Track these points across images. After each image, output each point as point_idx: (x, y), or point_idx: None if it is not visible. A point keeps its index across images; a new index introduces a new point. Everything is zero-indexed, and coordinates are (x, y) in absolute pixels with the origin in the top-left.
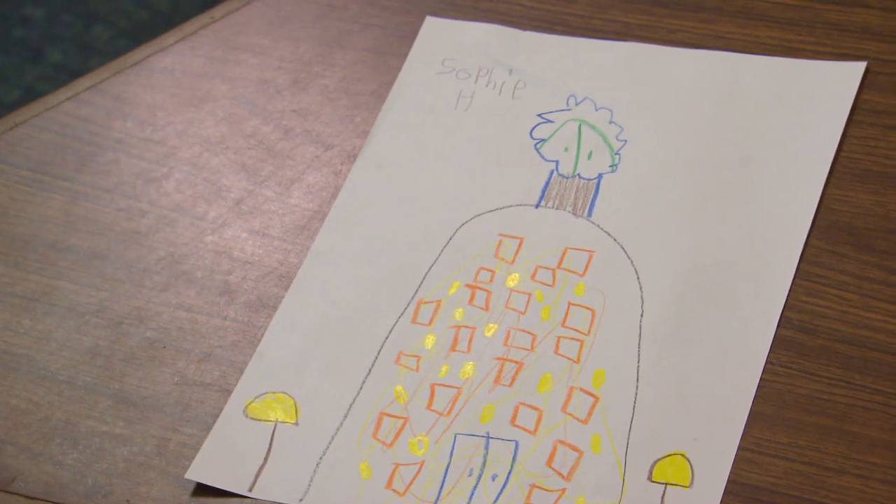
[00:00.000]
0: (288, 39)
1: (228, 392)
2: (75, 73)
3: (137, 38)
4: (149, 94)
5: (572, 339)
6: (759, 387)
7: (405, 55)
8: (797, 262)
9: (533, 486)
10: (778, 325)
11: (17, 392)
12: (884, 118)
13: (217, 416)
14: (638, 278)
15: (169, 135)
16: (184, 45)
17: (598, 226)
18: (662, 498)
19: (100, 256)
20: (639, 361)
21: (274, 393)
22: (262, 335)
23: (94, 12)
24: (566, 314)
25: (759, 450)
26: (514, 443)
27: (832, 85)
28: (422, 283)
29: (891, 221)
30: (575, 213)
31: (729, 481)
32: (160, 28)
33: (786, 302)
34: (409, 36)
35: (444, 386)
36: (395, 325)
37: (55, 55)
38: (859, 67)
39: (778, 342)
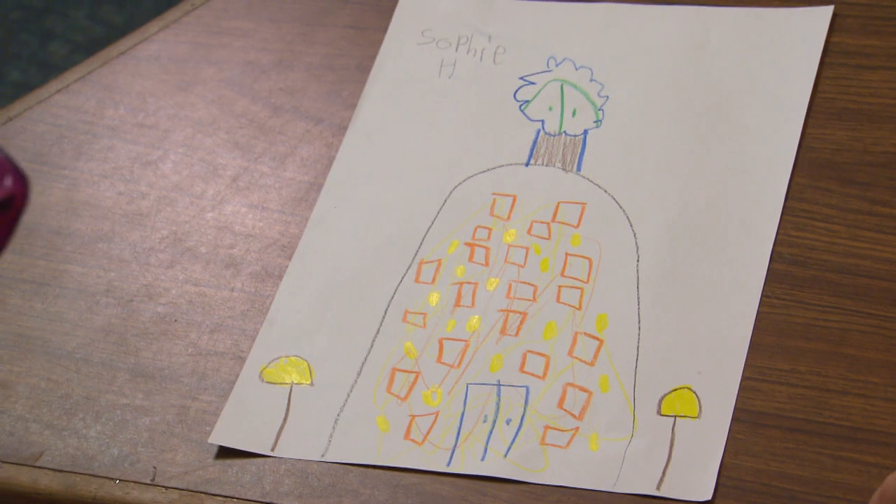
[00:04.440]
0: (269, 21)
1: (242, 359)
2: None
3: (94, 53)
4: (137, 81)
5: (573, 287)
6: (757, 318)
7: (385, 29)
8: (783, 199)
9: (547, 427)
10: (770, 260)
11: (35, 372)
12: (854, 58)
13: (233, 382)
14: (631, 226)
15: (161, 119)
16: (167, 33)
17: (588, 179)
18: (673, 429)
19: (104, 239)
20: (639, 304)
21: (287, 357)
22: (271, 303)
23: (50, 30)
24: (564, 264)
25: (763, 378)
26: (524, 388)
27: (803, 30)
28: (421, 244)
29: (869, 155)
30: (564, 169)
31: (736, 409)
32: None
33: (776, 237)
34: (387, 10)
35: (452, 339)
36: (398, 285)
37: (14, 74)
38: (827, 11)
39: (772, 276)
